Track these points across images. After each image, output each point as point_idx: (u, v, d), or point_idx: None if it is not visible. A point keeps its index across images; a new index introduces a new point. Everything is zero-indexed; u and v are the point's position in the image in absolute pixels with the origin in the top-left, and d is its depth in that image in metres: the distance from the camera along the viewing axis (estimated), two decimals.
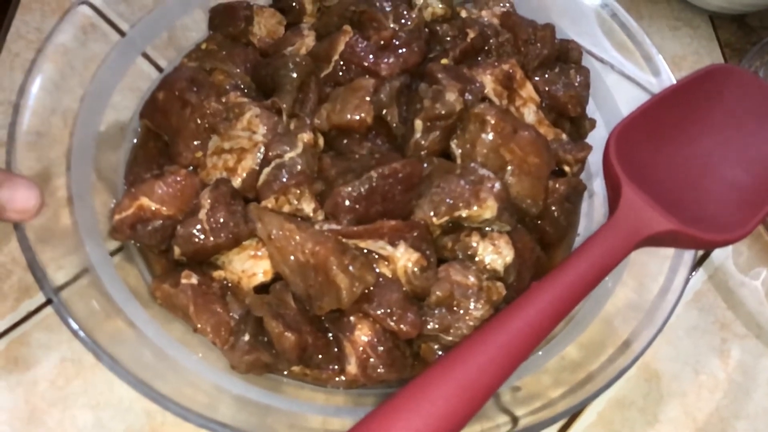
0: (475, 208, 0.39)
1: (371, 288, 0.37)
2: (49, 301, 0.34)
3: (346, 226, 0.37)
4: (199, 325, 0.37)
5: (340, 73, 0.44)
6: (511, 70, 0.44)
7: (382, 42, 0.43)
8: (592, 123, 0.47)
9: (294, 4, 0.49)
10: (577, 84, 0.46)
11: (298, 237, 0.37)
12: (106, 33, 0.45)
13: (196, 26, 0.50)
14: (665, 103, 0.40)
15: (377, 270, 0.38)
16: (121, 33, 0.45)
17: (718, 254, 0.52)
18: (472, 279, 0.38)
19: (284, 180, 0.38)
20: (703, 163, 0.38)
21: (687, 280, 0.37)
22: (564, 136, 0.45)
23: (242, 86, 0.44)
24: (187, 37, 0.49)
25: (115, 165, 0.43)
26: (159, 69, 0.48)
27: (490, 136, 0.41)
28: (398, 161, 0.37)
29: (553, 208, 0.43)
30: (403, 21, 0.45)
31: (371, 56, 0.43)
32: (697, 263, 0.51)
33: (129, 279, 0.39)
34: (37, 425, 0.41)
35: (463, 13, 0.49)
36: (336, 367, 0.38)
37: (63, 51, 0.42)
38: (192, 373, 0.35)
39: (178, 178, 0.39)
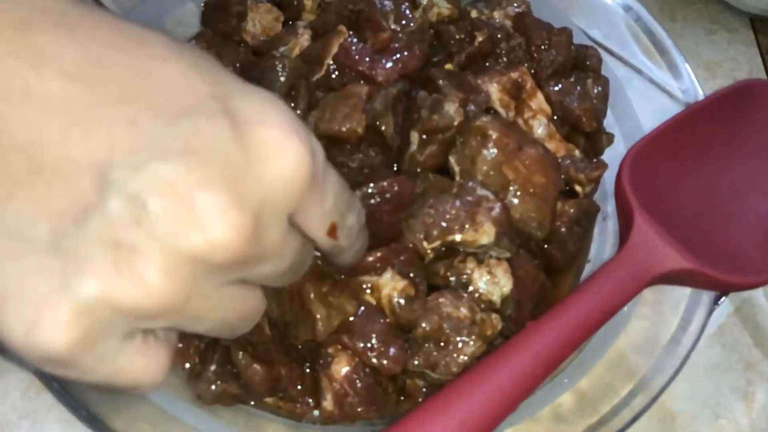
0: (471, 232, 0.35)
1: (351, 318, 0.33)
2: None
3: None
4: None
5: (334, 78, 0.40)
6: (520, 79, 0.41)
7: (379, 45, 0.40)
8: (610, 138, 0.43)
9: None
10: (594, 95, 0.42)
11: None
12: None
13: (189, 20, 0.47)
14: (690, 121, 0.36)
15: (360, 298, 0.34)
16: None
17: None
18: (464, 311, 0.34)
19: None
20: (730, 192, 0.34)
21: (706, 321, 0.33)
22: (577, 153, 0.41)
23: None
24: (179, 31, 0.47)
25: None
26: None
27: (492, 153, 0.37)
28: (386, 179, 0.34)
29: (562, 231, 0.39)
30: (404, 22, 0.42)
31: (367, 60, 0.40)
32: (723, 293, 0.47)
33: None
34: None
35: (474, 13, 0.45)
36: (311, 401, 0.35)
37: None
38: (153, 405, 0.32)
39: None
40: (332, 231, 0.25)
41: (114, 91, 0.18)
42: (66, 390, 0.29)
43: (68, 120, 0.18)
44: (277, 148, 0.20)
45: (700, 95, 0.41)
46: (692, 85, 0.41)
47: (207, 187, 0.18)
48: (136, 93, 0.18)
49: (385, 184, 0.34)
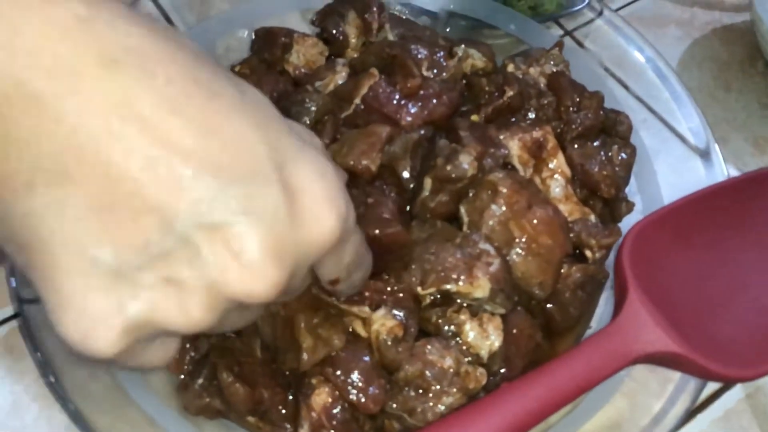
0: (466, 284, 0.35)
1: (338, 352, 0.34)
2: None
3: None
4: None
5: (360, 117, 0.42)
6: (542, 138, 0.41)
7: (408, 90, 0.41)
8: (630, 206, 0.42)
9: (338, 35, 0.48)
10: (618, 162, 0.42)
11: None
12: None
13: (239, 47, 0.49)
14: (703, 204, 0.35)
15: (351, 329, 0.36)
16: None
17: None
18: (449, 361, 0.35)
19: None
20: (734, 281, 0.33)
21: (687, 413, 0.32)
22: (592, 218, 0.41)
23: None
24: (229, 57, 0.49)
25: None
26: None
27: (501, 208, 0.38)
28: (377, 225, 0.34)
29: (565, 294, 0.39)
30: (437, 70, 0.43)
31: (394, 103, 0.41)
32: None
33: None
34: (14, 418, 0.42)
35: (510, 67, 0.46)
36: (289, 426, 0.36)
37: None
38: (140, 410, 0.34)
39: None
40: (336, 281, 0.28)
41: (185, 143, 0.21)
42: (60, 384, 0.32)
43: (142, 164, 0.20)
44: (318, 218, 0.23)
45: (720, 176, 0.40)
46: (719, 165, 0.40)
47: (255, 246, 0.21)
48: (204, 149, 0.21)
49: (375, 233, 0.34)
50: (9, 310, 0.45)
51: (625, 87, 0.51)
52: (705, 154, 0.41)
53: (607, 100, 0.45)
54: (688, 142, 0.43)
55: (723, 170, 0.40)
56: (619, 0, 0.66)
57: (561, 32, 0.58)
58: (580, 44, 0.55)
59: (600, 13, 0.52)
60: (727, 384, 0.42)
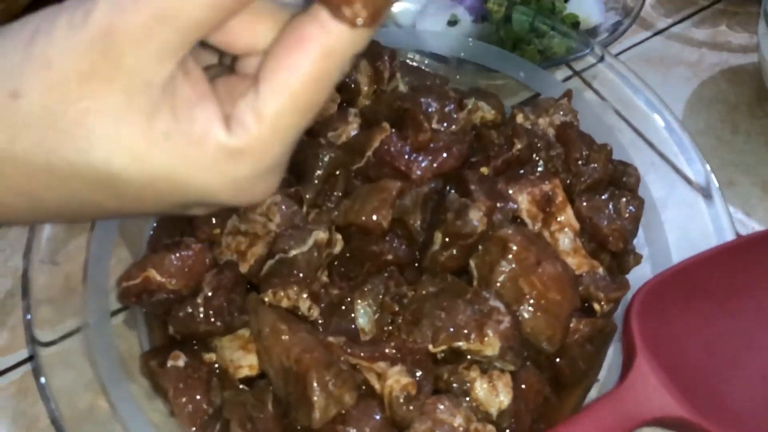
0: (477, 342, 0.36)
1: (349, 409, 0.35)
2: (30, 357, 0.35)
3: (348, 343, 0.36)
4: (175, 411, 0.37)
5: (372, 170, 0.42)
6: (551, 192, 0.42)
7: (418, 144, 0.42)
8: (638, 259, 0.43)
9: (350, 83, 0.49)
10: (626, 216, 0.42)
11: (286, 338, 0.36)
12: None
13: None
14: (713, 263, 0.36)
15: (364, 383, 0.36)
16: None
17: None
18: (458, 420, 0.35)
19: (284, 277, 0.37)
20: (743, 344, 0.34)
21: None
22: (600, 270, 0.41)
23: None
24: None
25: (142, 225, 0.44)
26: None
27: (511, 265, 0.38)
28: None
29: (573, 348, 0.40)
30: (447, 122, 0.44)
31: (405, 157, 0.42)
32: None
33: (125, 343, 0.40)
34: None
35: (519, 117, 0.46)
36: None
37: None
38: None
39: (190, 253, 0.40)
40: None
41: None
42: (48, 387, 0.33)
43: None
44: None
45: (725, 222, 0.40)
46: (728, 226, 0.40)
47: None
48: None
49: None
50: (24, 353, 0.46)
51: (635, 130, 0.51)
52: (708, 197, 0.42)
53: (615, 147, 0.46)
54: (694, 185, 0.44)
55: (728, 218, 0.41)
56: (628, 40, 0.67)
57: (570, 72, 0.59)
58: (588, 85, 0.56)
59: (601, 59, 0.52)
60: None
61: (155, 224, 0.44)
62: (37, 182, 0.24)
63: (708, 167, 0.45)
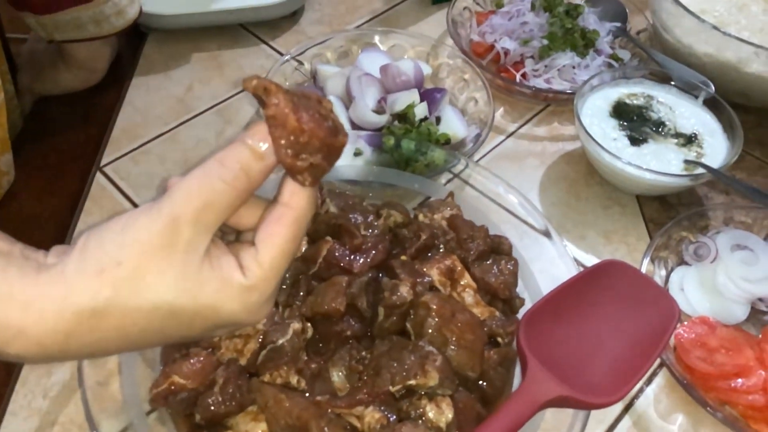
0: (422, 378, 0.51)
1: None
2: None
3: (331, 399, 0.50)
4: None
5: (324, 272, 0.58)
6: (452, 265, 0.58)
7: (354, 248, 0.58)
8: (522, 301, 0.60)
9: None
10: (507, 272, 0.60)
11: (287, 404, 0.49)
12: None
13: None
14: (567, 291, 0.53)
15: (349, 425, 0.50)
16: None
17: (641, 402, 0.63)
18: None
19: (276, 361, 0.51)
20: (593, 340, 0.51)
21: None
22: (497, 314, 0.58)
23: None
24: None
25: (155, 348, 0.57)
26: None
27: (435, 320, 0.54)
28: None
29: (490, 372, 0.55)
30: (370, 229, 0.60)
31: (346, 258, 0.58)
32: (624, 410, 0.62)
33: None
34: None
35: (421, 217, 0.64)
36: None
37: None
38: None
39: (201, 359, 0.53)
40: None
41: None
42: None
43: None
44: None
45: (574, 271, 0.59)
46: (572, 267, 0.58)
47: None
48: None
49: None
50: None
51: (502, 207, 0.69)
52: (549, 236, 0.61)
53: (489, 226, 0.64)
54: (540, 231, 0.62)
55: (566, 251, 0.59)
56: (489, 144, 0.87)
57: (451, 176, 0.77)
58: (465, 182, 0.74)
59: (466, 166, 0.71)
60: (616, 420, 0.59)
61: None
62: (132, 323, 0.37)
63: (546, 220, 0.63)
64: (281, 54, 0.97)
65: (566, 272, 0.59)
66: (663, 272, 0.71)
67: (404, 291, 0.54)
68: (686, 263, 0.72)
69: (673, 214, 0.78)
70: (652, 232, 0.77)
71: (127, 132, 0.85)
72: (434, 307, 0.54)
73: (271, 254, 0.38)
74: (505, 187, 0.67)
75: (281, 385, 0.52)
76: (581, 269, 0.60)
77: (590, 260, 0.75)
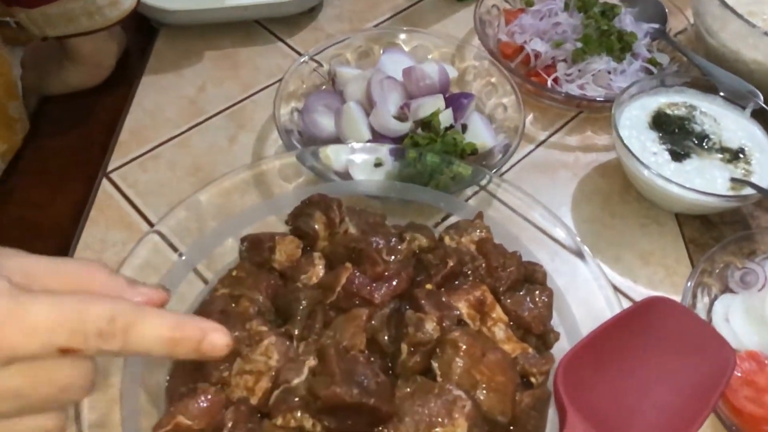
0: (449, 426, 0.46)
1: None
2: None
3: None
4: None
5: (342, 301, 0.53)
6: (482, 296, 0.54)
7: (375, 275, 0.53)
8: (556, 336, 0.55)
9: (309, 230, 0.60)
10: (541, 304, 0.55)
11: None
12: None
13: (230, 253, 0.61)
14: (610, 332, 0.48)
15: None
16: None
17: None
18: None
19: (290, 403, 0.47)
20: (638, 389, 0.46)
21: None
22: (530, 351, 0.53)
23: (263, 311, 0.54)
24: (222, 260, 0.61)
25: (159, 378, 0.53)
26: (204, 281, 0.59)
27: (463, 360, 0.49)
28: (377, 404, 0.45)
29: (522, 417, 0.51)
30: (393, 255, 0.55)
31: (367, 288, 0.53)
32: None
33: None
34: None
35: (447, 240, 0.59)
36: None
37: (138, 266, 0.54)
38: None
39: (209, 396, 0.48)
40: None
41: None
42: None
43: None
44: None
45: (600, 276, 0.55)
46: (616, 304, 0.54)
47: None
48: None
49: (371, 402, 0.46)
50: None
51: (532, 224, 0.64)
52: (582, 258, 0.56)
53: (522, 251, 0.59)
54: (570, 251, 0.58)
55: (602, 274, 0.55)
56: (519, 153, 0.81)
57: (477, 188, 0.72)
58: (493, 196, 0.69)
59: (490, 180, 0.66)
60: None
61: (170, 373, 0.53)
62: None
63: (578, 239, 0.59)
64: (298, 53, 0.92)
65: (604, 302, 0.54)
66: (706, 300, 0.66)
67: (430, 327, 0.50)
68: (731, 291, 0.66)
69: (716, 234, 0.73)
70: (692, 254, 0.72)
71: (135, 135, 0.81)
72: (463, 346, 0.49)
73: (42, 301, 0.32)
74: (535, 203, 0.62)
75: (295, 429, 0.47)
76: (619, 297, 0.55)
77: (626, 284, 0.70)
